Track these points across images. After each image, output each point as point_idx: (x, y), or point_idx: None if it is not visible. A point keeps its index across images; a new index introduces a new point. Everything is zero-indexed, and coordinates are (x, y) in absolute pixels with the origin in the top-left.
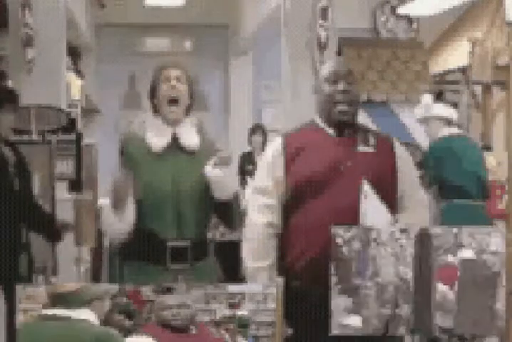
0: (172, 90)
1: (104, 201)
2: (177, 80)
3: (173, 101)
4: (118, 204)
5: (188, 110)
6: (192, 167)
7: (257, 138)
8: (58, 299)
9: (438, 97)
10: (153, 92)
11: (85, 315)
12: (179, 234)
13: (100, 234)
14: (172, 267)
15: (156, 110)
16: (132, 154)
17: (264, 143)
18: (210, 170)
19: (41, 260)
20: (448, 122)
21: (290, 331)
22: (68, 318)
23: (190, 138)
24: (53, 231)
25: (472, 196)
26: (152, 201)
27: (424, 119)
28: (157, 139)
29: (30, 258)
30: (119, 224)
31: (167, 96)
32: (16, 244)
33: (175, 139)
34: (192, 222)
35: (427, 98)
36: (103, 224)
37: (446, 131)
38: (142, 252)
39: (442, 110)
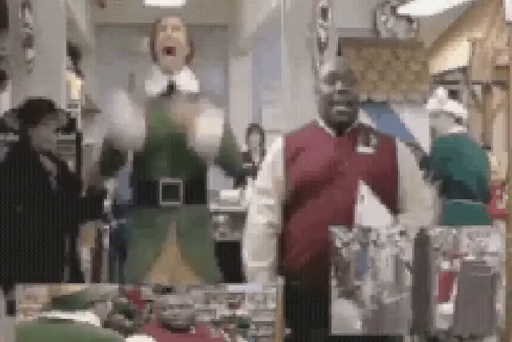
0: (169, 40)
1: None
2: (174, 28)
3: (169, 51)
4: (135, 97)
5: (188, 58)
6: None
7: (254, 138)
8: (60, 302)
9: (452, 95)
10: (152, 42)
11: (88, 317)
12: (172, 173)
13: (100, 234)
14: (164, 204)
15: (155, 59)
16: None
17: (261, 143)
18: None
19: None
20: (458, 121)
21: (288, 331)
22: (70, 321)
23: (187, 83)
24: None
25: (474, 196)
26: (150, 147)
27: (435, 113)
28: (154, 86)
29: (76, 271)
30: (134, 120)
31: (163, 46)
32: (59, 256)
33: (171, 84)
34: (187, 163)
35: (441, 93)
36: (117, 119)
37: (455, 129)
38: (137, 194)
39: (455, 107)
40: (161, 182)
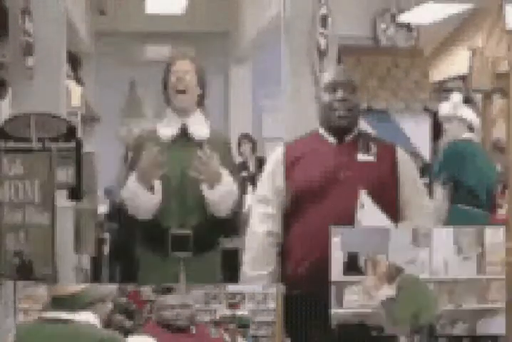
0: (179, 83)
1: (131, 178)
2: (185, 72)
3: (181, 91)
4: (146, 180)
5: (201, 101)
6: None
7: (246, 147)
8: (60, 302)
9: (466, 101)
10: (165, 85)
11: (87, 317)
12: (181, 223)
13: (100, 242)
14: (174, 255)
15: (167, 101)
16: (142, 145)
17: (253, 150)
18: (205, 192)
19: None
20: (469, 128)
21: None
22: (69, 321)
23: (199, 128)
24: None
25: (482, 204)
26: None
27: (448, 117)
28: (167, 129)
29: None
30: (148, 194)
31: (174, 89)
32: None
33: (184, 129)
34: (197, 212)
35: (457, 98)
36: (130, 194)
37: (467, 135)
38: (145, 240)
39: (470, 113)
40: (171, 232)
